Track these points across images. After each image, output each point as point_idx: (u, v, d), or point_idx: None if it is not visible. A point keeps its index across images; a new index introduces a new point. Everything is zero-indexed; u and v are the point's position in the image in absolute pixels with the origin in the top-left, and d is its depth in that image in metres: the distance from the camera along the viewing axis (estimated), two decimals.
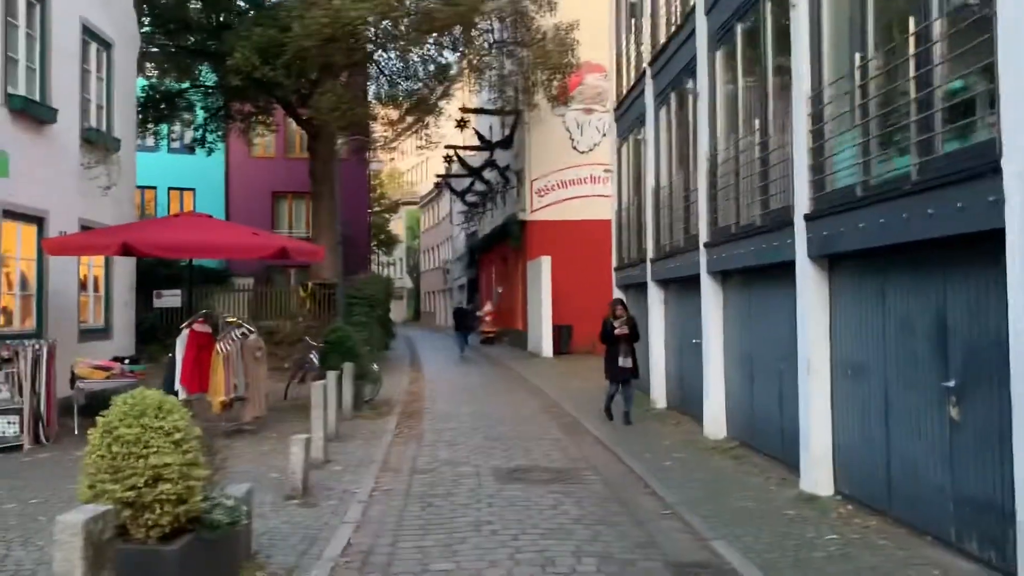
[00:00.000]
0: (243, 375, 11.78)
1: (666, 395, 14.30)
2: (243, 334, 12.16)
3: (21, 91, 11.94)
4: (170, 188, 34.16)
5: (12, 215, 11.72)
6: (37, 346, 10.88)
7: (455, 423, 13.29)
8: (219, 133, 29.29)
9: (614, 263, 18.34)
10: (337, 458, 10.03)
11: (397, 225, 65.60)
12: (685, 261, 12.61)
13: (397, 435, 11.97)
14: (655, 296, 14.61)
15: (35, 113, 12.18)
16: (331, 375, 11.66)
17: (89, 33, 14.18)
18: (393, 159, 53.09)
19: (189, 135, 30.87)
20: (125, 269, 15.81)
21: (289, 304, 24.99)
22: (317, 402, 9.75)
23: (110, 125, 15.00)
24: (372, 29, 20.47)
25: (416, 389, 18.17)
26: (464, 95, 35.34)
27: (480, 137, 31.68)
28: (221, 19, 21.92)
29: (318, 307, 23.07)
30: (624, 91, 17.40)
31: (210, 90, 27.25)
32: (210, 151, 29.44)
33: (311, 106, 20.03)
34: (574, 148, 28.32)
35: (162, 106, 26.82)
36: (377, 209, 52.06)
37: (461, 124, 30.04)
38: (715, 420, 11.42)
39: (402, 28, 21.23)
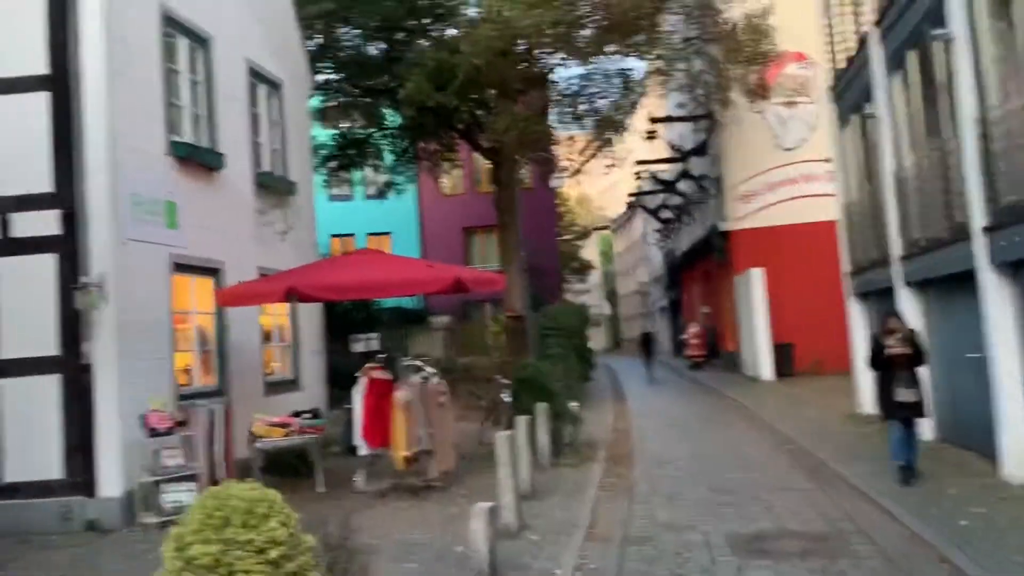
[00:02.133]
0: (426, 425, 10.49)
1: (936, 424, 11.49)
2: (424, 378, 10.90)
3: (187, 138, 11.45)
4: (368, 234, 34.95)
5: (185, 268, 11.13)
6: (213, 406, 10.17)
7: (671, 469, 11.28)
8: (408, 175, 29.28)
9: (846, 267, 15.60)
10: (534, 523, 8.38)
11: (590, 251, 64.21)
12: (950, 255, 9.97)
13: (603, 488, 10.14)
14: (909, 302, 11.88)
15: (203, 160, 11.65)
16: (521, 420, 10.08)
17: (256, 75, 13.68)
18: (580, 183, 51.93)
19: (381, 179, 31.21)
20: (312, 316, 15.17)
21: (485, 339, 24.15)
22: (504, 459, 8.15)
23: (285, 168, 14.48)
24: (548, 40, 19.04)
25: (622, 426, 16.28)
26: (651, 103, 33.37)
27: (672, 147, 29.51)
28: (394, 53, 21.45)
29: (512, 341, 21.89)
30: (841, 65, 14.80)
31: (395, 132, 27.19)
32: (400, 192, 29.49)
33: (487, 128, 18.91)
34: (778, 146, 25.51)
35: (352, 152, 27.07)
36: (568, 236, 50.84)
37: (651, 135, 28.03)
38: (1018, 458, 8.68)
39: (581, 38, 19.71)
